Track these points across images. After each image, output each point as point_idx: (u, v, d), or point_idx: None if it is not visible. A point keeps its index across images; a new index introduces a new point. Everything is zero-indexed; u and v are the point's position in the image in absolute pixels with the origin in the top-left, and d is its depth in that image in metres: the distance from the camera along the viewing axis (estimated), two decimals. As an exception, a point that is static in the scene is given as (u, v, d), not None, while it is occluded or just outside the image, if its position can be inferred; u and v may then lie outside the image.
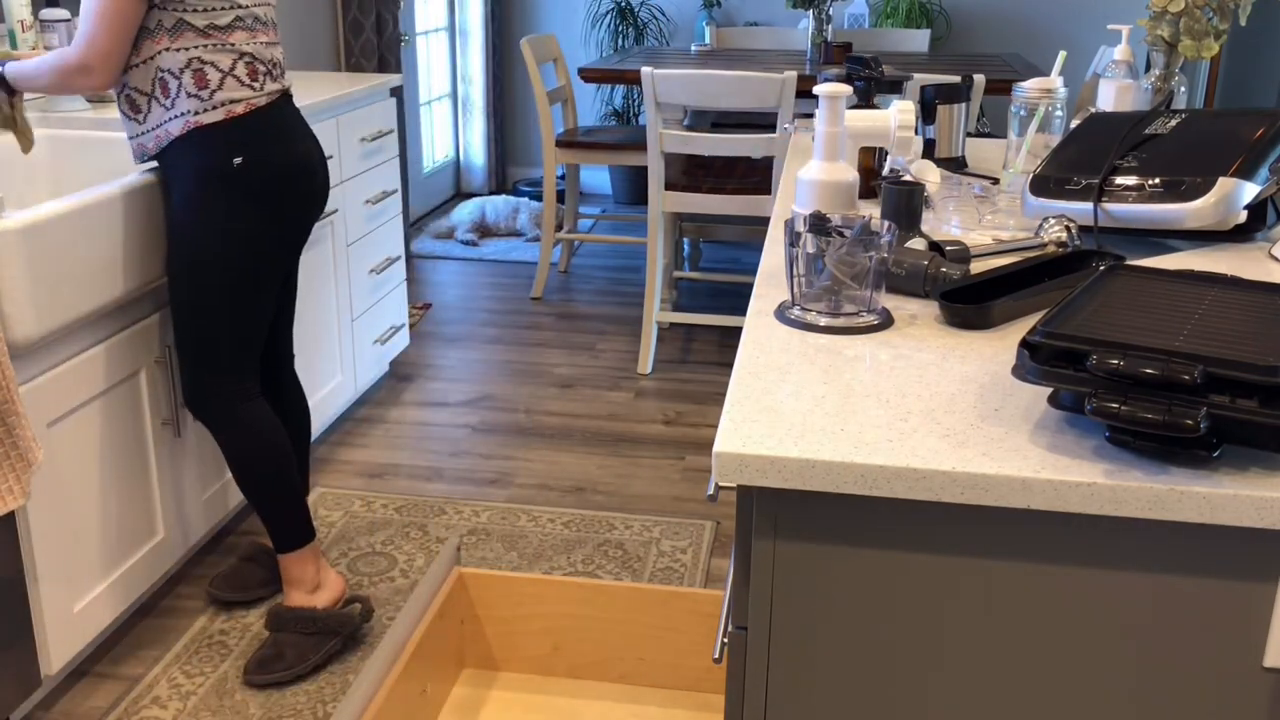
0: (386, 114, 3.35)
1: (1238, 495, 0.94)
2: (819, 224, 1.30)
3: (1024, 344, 1.04)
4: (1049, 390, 1.09)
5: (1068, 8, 5.58)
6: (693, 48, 4.98)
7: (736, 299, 4.49)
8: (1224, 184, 1.53)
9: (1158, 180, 1.58)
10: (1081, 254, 1.51)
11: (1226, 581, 0.99)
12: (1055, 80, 2.01)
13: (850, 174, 1.57)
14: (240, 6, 2.05)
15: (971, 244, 1.59)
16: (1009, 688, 1.06)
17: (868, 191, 1.89)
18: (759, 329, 1.30)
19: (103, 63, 1.97)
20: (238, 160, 2.02)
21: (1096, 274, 1.19)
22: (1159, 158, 1.63)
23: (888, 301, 1.39)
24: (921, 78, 2.54)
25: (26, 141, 2.20)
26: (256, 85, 2.05)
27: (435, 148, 5.89)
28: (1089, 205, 1.61)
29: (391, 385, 3.64)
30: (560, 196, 4.96)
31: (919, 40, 4.92)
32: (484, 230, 5.32)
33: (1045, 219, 1.62)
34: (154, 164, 2.14)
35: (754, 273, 1.37)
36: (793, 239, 1.29)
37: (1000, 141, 2.39)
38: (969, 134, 2.91)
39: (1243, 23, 2.16)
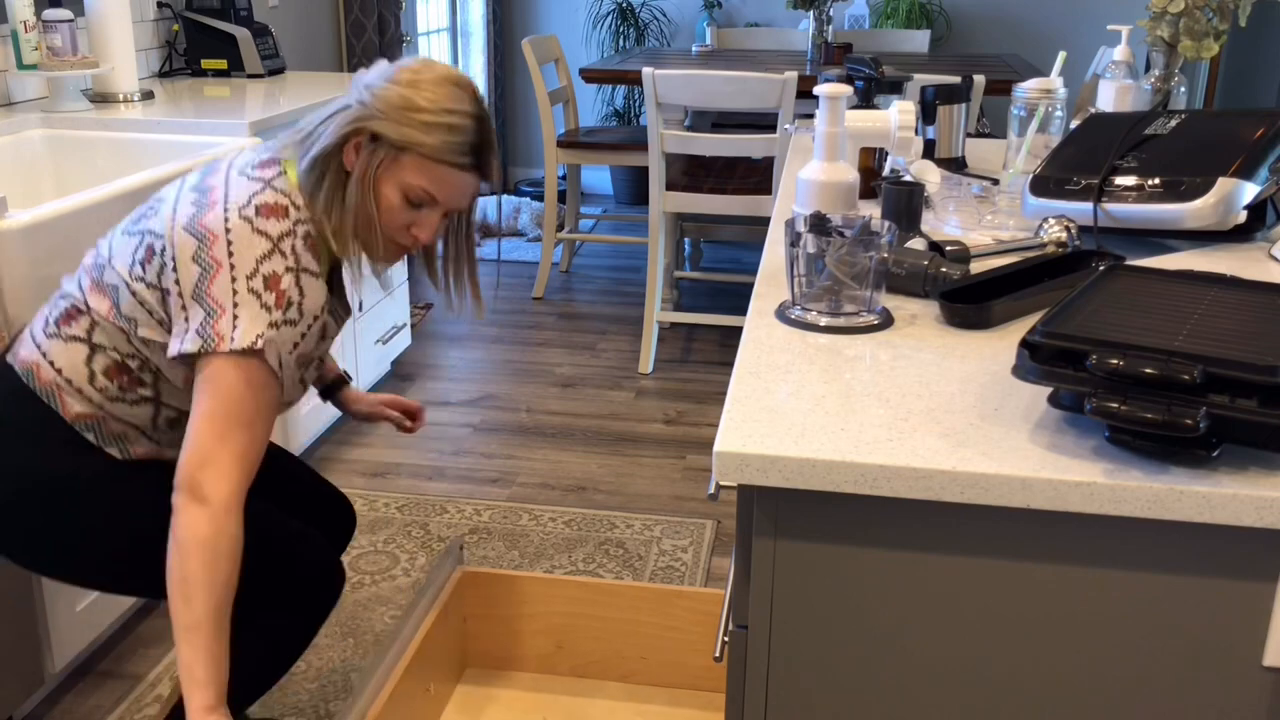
0: (388, 114, 3.35)
1: (1237, 495, 0.94)
2: (819, 224, 1.30)
3: (1024, 344, 1.05)
4: (1049, 390, 1.10)
5: (1068, 8, 5.58)
6: (694, 48, 4.98)
7: (737, 299, 4.49)
8: (1224, 184, 1.54)
9: (1157, 180, 1.59)
10: (1081, 254, 1.51)
11: (1226, 581, 0.99)
12: (1055, 80, 2.02)
13: (850, 174, 1.57)
14: None
15: (971, 244, 1.60)
16: (1009, 687, 1.06)
17: (868, 191, 1.89)
18: (759, 329, 1.30)
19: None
20: None
21: (1096, 274, 1.19)
22: (1159, 158, 1.63)
23: (888, 301, 1.39)
24: (921, 78, 2.54)
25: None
26: None
27: (436, 148, 5.89)
28: (1089, 205, 1.61)
29: (393, 385, 3.64)
30: (561, 196, 4.96)
31: (919, 41, 4.92)
32: (485, 230, 5.33)
33: (1045, 219, 1.62)
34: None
35: (754, 273, 1.38)
36: (793, 239, 1.30)
37: (1000, 141, 2.40)
38: (969, 134, 2.91)
39: (1242, 23, 2.16)
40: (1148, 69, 2.26)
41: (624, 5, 5.81)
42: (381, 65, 1.55)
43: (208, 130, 2.58)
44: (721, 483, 1.03)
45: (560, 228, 4.85)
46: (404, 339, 3.63)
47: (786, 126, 3.40)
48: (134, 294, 1.50)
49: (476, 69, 5.92)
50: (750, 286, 1.39)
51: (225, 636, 1.44)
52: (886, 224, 1.30)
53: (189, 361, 1.49)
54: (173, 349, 1.46)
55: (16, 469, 1.53)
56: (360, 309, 3.25)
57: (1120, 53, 2.13)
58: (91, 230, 1.99)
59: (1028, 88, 2.03)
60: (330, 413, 3.11)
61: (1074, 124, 1.90)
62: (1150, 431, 0.95)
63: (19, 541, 1.57)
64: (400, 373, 3.74)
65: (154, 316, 1.50)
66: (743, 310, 4.01)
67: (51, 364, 1.53)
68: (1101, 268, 1.26)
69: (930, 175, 1.90)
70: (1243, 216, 1.55)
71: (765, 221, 4.12)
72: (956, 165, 2.14)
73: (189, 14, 3.24)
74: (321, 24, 4.26)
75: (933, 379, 1.16)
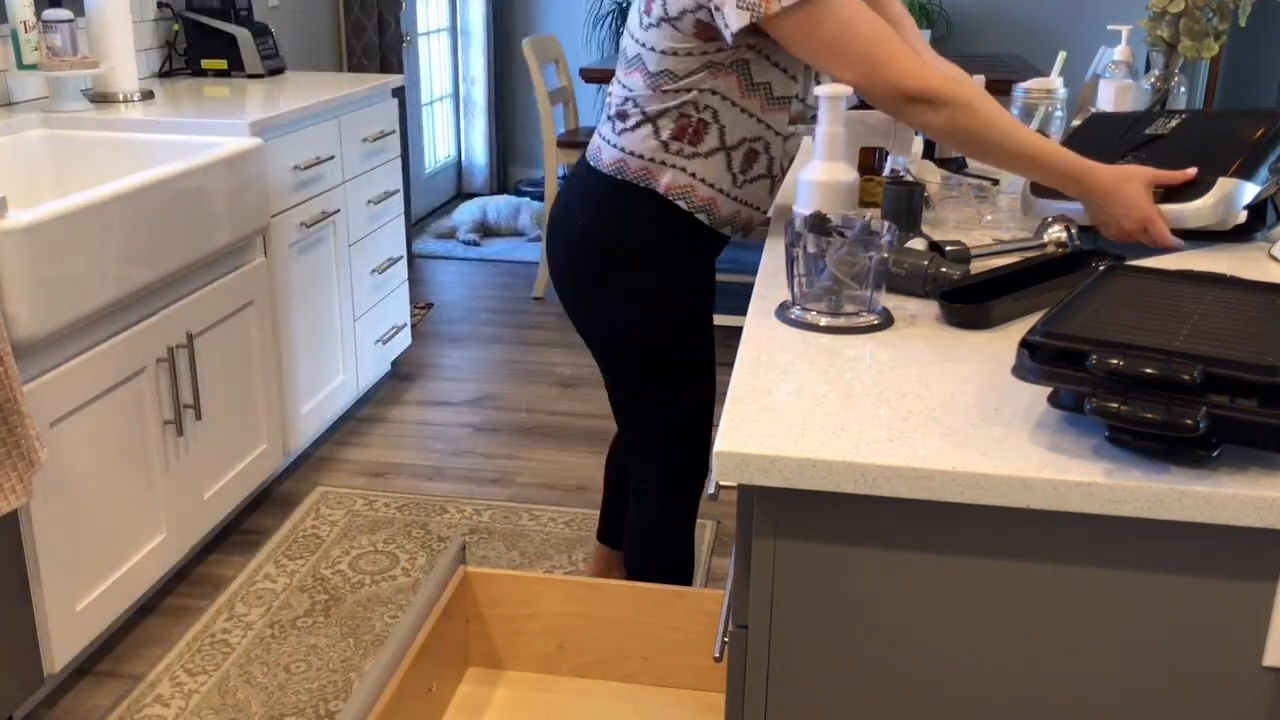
0: (388, 114, 3.36)
1: (1237, 495, 0.94)
2: (819, 224, 1.30)
3: (1024, 344, 1.05)
4: (1049, 390, 1.10)
5: (1068, 8, 5.58)
6: (694, 48, 4.98)
7: (737, 299, 4.49)
8: (1224, 184, 1.54)
9: (1158, 180, 1.58)
10: (1081, 254, 1.51)
11: (1226, 581, 0.99)
12: (1055, 80, 2.02)
13: (850, 174, 1.57)
14: None
15: (971, 244, 1.60)
16: (1009, 687, 1.06)
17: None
18: (759, 329, 1.30)
19: None
20: None
21: (1096, 274, 1.19)
22: (1159, 158, 1.63)
23: (888, 301, 1.39)
24: (922, 78, 2.53)
25: None
26: None
27: (437, 148, 5.89)
28: (1089, 205, 1.61)
29: (393, 385, 3.64)
30: (561, 196, 4.95)
31: (920, 40, 4.92)
32: (485, 230, 5.33)
33: (1045, 219, 1.62)
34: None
35: (754, 273, 1.39)
36: (793, 239, 1.30)
37: (1001, 141, 2.39)
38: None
39: (1242, 23, 2.16)
40: (1148, 69, 2.26)
41: (624, 5, 5.81)
42: None
43: (208, 130, 2.58)
44: (721, 483, 1.03)
45: (560, 228, 4.84)
46: (404, 339, 3.63)
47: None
48: (650, 44, 1.61)
49: (477, 69, 5.92)
50: (750, 286, 1.39)
51: (1046, 154, 1.50)
52: (886, 224, 1.30)
53: (744, 43, 1.56)
54: (727, 35, 1.52)
55: (610, 238, 1.72)
56: (358, 310, 3.25)
57: (1120, 53, 2.13)
58: (92, 230, 1.99)
59: (1028, 88, 2.03)
60: (330, 412, 3.11)
61: (1074, 124, 1.90)
62: (1150, 431, 0.95)
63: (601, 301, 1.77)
64: (400, 373, 3.74)
65: (680, 32, 1.58)
66: (743, 310, 4.00)
67: (632, 153, 1.69)
68: (1101, 268, 1.26)
69: (930, 175, 1.90)
70: (1243, 216, 1.55)
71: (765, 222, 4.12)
72: (956, 165, 2.14)
73: (189, 14, 3.24)
74: (321, 24, 4.26)
75: (933, 379, 1.16)
